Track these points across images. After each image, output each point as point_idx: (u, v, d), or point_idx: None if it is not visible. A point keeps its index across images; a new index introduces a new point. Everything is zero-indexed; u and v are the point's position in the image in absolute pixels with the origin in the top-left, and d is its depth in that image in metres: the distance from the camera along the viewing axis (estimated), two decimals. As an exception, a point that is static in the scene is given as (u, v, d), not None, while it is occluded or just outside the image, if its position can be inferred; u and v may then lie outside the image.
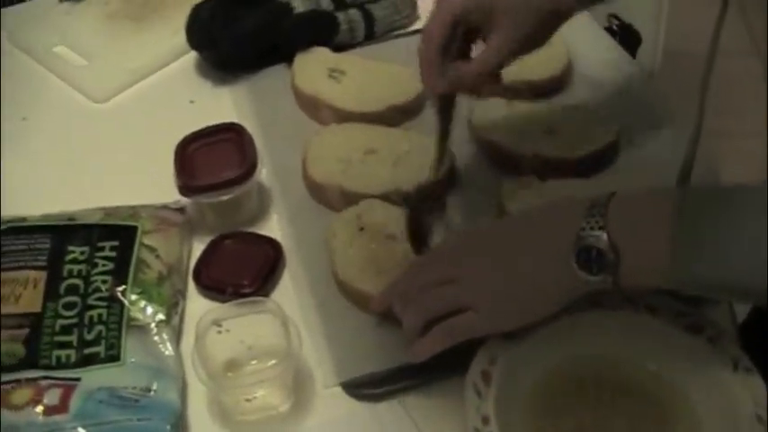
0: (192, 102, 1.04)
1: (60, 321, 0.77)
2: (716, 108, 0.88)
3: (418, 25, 1.10)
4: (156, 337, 0.77)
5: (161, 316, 0.78)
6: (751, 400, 0.66)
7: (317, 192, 0.90)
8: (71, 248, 0.81)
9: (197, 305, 0.82)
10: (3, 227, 0.83)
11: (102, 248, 0.81)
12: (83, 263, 0.80)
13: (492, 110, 0.93)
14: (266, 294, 0.82)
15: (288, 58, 1.04)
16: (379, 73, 1.01)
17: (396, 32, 1.09)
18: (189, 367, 0.74)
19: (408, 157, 0.90)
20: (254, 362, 0.76)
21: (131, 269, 0.80)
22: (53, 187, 0.94)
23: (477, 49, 0.80)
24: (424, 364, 0.72)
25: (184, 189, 0.85)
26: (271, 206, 0.91)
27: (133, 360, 0.75)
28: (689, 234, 0.61)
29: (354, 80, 1.00)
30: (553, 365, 0.71)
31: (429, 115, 0.85)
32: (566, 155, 0.89)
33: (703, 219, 0.61)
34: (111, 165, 0.97)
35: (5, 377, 0.73)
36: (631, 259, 0.63)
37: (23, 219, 0.85)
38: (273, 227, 0.89)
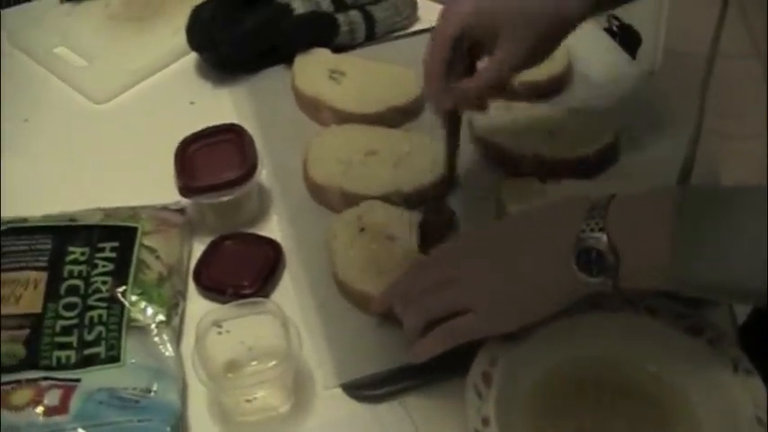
0: (192, 103, 1.04)
1: (61, 322, 0.77)
2: (716, 109, 0.88)
3: (418, 26, 1.10)
4: (156, 338, 0.77)
5: (161, 317, 0.78)
6: (751, 401, 0.66)
7: (318, 193, 0.90)
8: (71, 249, 0.81)
9: (197, 306, 0.82)
10: (3, 227, 0.84)
11: (103, 249, 0.81)
12: (83, 264, 0.80)
13: (492, 111, 0.93)
14: (266, 295, 0.82)
15: (288, 60, 1.04)
16: (380, 74, 1.01)
17: (396, 34, 1.10)
18: (189, 368, 0.74)
19: (409, 158, 0.90)
20: (254, 363, 0.76)
21: (132, 270, 0.80)
22: (54, 188, 0.94)
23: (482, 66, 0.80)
24: (425, 365, 0.72)
25: (185, 190, 0.86)
26: (271, 207, 0.91)
27: (133, 361, 0.75)
28: (689, 235, 0.61)
29: (355, 81, 1.00)
30: (553, 367, 0.71)
31: (429, 116, 0.85)
32: (566, 155, 0.90)
33: (703, 219, 0.61)
34: (111, 165, 0.97)
35: (6, 378, 0.73)
36: (631, 261, 0.63)
37: (24, 219, 0.85)
38: (274, 228, 0.89)
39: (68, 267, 0.80)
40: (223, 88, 1.05)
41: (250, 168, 0.86)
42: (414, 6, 1.11)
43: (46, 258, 0.80)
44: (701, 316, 0.71)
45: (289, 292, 0.83)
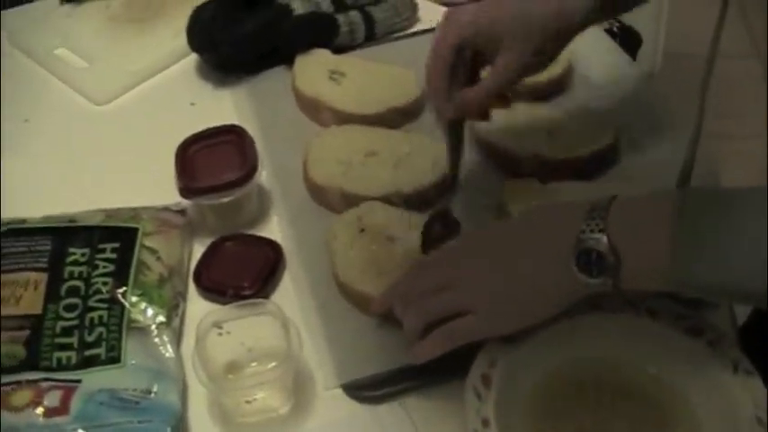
0: (192, 104, 1.04)
1: (61, 323, 0.77)
2: (716, 110, 0.88)
3: (418, 27, 1.10)
4: (156, 339, 0.77)
5: (161, 318, 0.78)
6: (751, 402, 0.66)
7: (318, 194, 0.90)
8: (72, 250, 0.81)
9: (197, 307, 0.82)
10: (3, 228, 0.84)
11: (103, 250, 0.81)
12: (83, 265, 0.80)
13: (493, 113, 0.93)
14: (267, 296, 0.82)
15: (288, 60, 1.04)
16: (380, 75, 1.01)
17: (396, 34, 1.10)
18: (189, 369, 0.74)
19: (409, 158, 0.90)
20: (254, 364, 0.76)
21: (132, 271, 0.80)
22: (54, 189, 0.94)
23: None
24: (425, 367, 0.72)
25: (185, 191, 0.86)
26: (271, 208, 0.91)
27: (134, 362, 0.75)
28: (689, 236, 0.61)
29: (355, 82, 1.00)
30: (553, 368, 0.71)
31: (429, 117, 0.85)
32: (566, 156, 0.90)
33: (703, 221, 0.61)
34: (111, 167, 0.97)
35: (6, 379, 0.73)
36: (632, 262, 0.63)
37: (24, 220, 0.85)
38: (274, 229, 0.89)
39: (69, 268, 0.80)
40: (223, 89, 1.05)
41: (250, 169, 0.86)
42: (413, 7, 1.11)
43: (46, 259, 0.80)
44: (701, 317, 0.71)
45: (289, 292, 0.83)
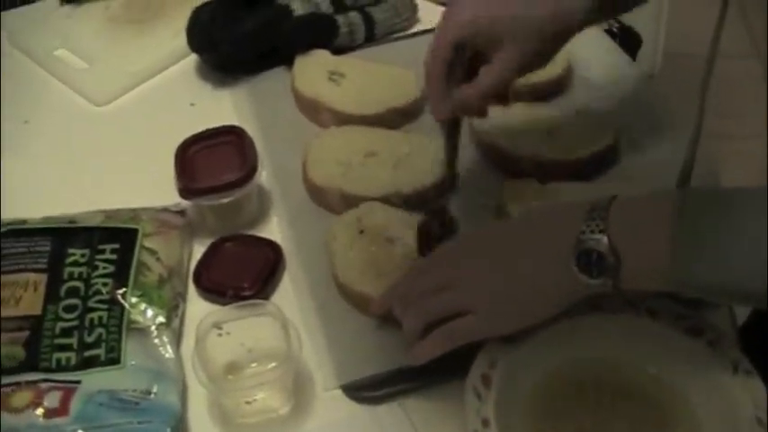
0: (192, 104, 1.04)
1: (61, 324, 0.77)
2: (716, 110, 0.88)
3: (418, 28, 1.10)
4: (156, 340, 0.77)
5: (161, 319, 0.78)
6: (751, 402, 0.66)
7: (318, 194, 0.90)
8: (71, 251, 0.81)
9: (197, 308, 0.82)
10: (3, 229, 0.83)
11: (103, 251, 0.81)
12: (83, 265, 0.80)
13: (492, 112, 0.93)
14: (266, 297, 0.82)
15: (288, 61, 1.04)
16: (379, 75, 1.01)
17: (396, 35, 1.10)
18: (189, 370, 0.74)
19: (408, 159, 0.90)
20: (254, 365, 0.76)
21: (132, 272, 0.80)
22: (54, 190, 0.94)
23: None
24: (425, 367, 0.72)
25: (185, 192, 0.86)
26: (271, 209, 0.91)
27: (133, 363, 0.75)
28: (689, 236, 0.61)
29: (354, 83, 1.00)
30: (553, 368, 0.71)
31: (429, 118, 0.85)
32: (566, 157, 0.90)
33: (703, 221, 0.61)
34: (111, 167, 0.97)
35: (5, 380, 0.73)
36: (632, 262, 0.63)
37: (24, 221, 0.85)
38: (273, 229, 0.89)
39: (68, 269, 0.80)
40: (223, 90, 1.05)
41: (250, 170, 0.86)
42: (413, 8, 1.11)
43: (46, 260, 0.80)
44: (701, 317, 0.71)
45: (289, 293, 0.83)
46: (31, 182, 0.96)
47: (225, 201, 0.85)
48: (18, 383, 0.73)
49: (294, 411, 0.75)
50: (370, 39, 1.08)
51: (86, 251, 0.81)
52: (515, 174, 0.89)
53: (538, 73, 0.95)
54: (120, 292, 0.78)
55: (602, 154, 0.91)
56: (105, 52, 1.10)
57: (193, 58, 1.07)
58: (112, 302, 0.78)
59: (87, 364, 0.74)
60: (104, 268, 0.80)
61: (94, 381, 0.73)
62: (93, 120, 1.04)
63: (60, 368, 0.74)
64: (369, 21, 1.07)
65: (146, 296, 0.79)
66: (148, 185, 0.91)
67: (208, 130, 0.90)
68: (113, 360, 0.75)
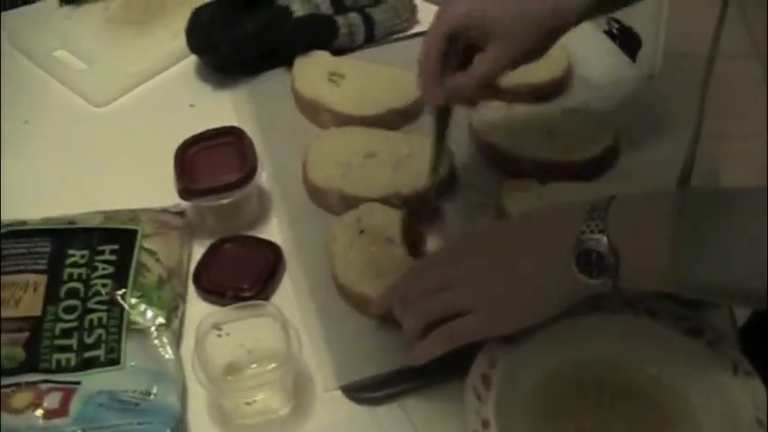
0: (192, 105, 1.04)
1: (60, 325, 0.77)
2: (716, 110, 0.88)
3: (418, 29, 1.10)
4: (156, 341, 0.77)
5: (161, 319, 0.78)
6: (751, 403, 0.66)
7: (317, 195, 0.90)
8: (71, 252, 0.81)
9: (197, 309, 0.82)
10: (3, 230, 0.83)
11: (103, 252, 0.81)
12: (83, 266, 0.80)
13: (492, 112, 0.94)
14: (266, 298, 0.82)
15: (288, 62, 1.04)
16: (379, 76, 1.01)
17: (395, 36, 1.10)
18: (189, 371, 0.74)
19: (408, 160, 0.90)
20: (254, 365, 0.76)
21: (131, 273, 0.80)
22: (53, 191, 0.94)
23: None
24: (425, 368, 0.72)
25: (184, 192, 0.85)
26: (271, 210, 0.91)
27: (133, 364, 0.75)
28: (689, 236, 0.61)
29: (354, 84, 1.00)
30: (553, 369, 0.71)
31: (428, 118, 0.85)
32: (565, 158, 0.90)
33: (703, 221, 0.61)
34: (111, 168, 0.97)
35: (5, 381, 0.73)
36: (632, 262, 0.63)
37: (24, 222, 0.85)
38: (273, 230, 0.89)
39: (68, 270, 0.80)
40: (223, 91, 1.05)
41: (250, 171, 0.86)
42: (413, 9, 1.11)
43: (45, 261, 0.80)
44: (701, 318, 0.71)
45: (288, 294, 0.83)
46: (31, 182, 0.96)
47: (224, 202, 0.85)
48: (18, 384, 0.73)
49: (294, 412, 0.75)
50: (370, 40, 1.08)
51: (86, 252, 0.81)
52: (515, 173, 0.89)
53: (538, 73, 0.96)
54: (120, 293, 0.78)
55: (602, 154, 0.90)
56: (105, 53, 1.10)
57: (193, 59, 1.07)
58: (112, 303, 0.78)
59: (87, 364, 0.74)
60: (104, 269, 0.80)
61: (94, 382, 0.73)
62: (92, 120, 1.04)
63: (60, 369, 0.74)
64: (368, 22, 1.07)
65: (145, 297, 0.79)
66: (148, 186, 0.90)
67: (207, 131, 0.90)
68: (113, 361, 0.75)
